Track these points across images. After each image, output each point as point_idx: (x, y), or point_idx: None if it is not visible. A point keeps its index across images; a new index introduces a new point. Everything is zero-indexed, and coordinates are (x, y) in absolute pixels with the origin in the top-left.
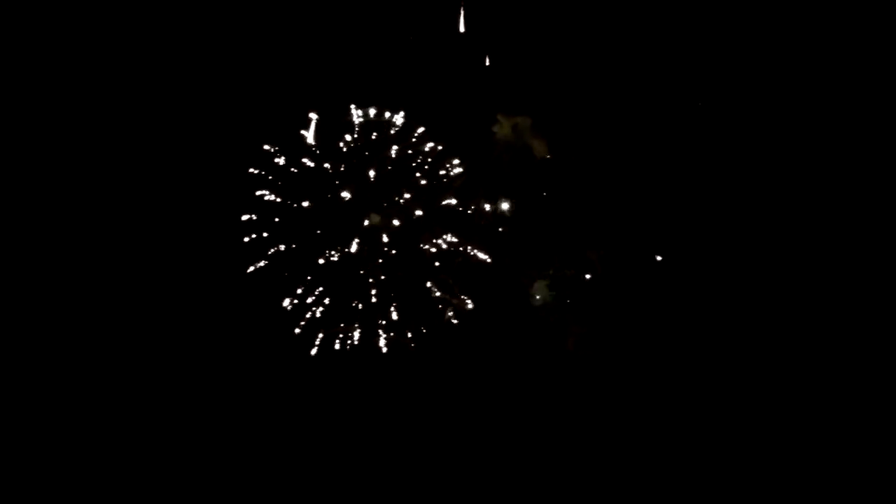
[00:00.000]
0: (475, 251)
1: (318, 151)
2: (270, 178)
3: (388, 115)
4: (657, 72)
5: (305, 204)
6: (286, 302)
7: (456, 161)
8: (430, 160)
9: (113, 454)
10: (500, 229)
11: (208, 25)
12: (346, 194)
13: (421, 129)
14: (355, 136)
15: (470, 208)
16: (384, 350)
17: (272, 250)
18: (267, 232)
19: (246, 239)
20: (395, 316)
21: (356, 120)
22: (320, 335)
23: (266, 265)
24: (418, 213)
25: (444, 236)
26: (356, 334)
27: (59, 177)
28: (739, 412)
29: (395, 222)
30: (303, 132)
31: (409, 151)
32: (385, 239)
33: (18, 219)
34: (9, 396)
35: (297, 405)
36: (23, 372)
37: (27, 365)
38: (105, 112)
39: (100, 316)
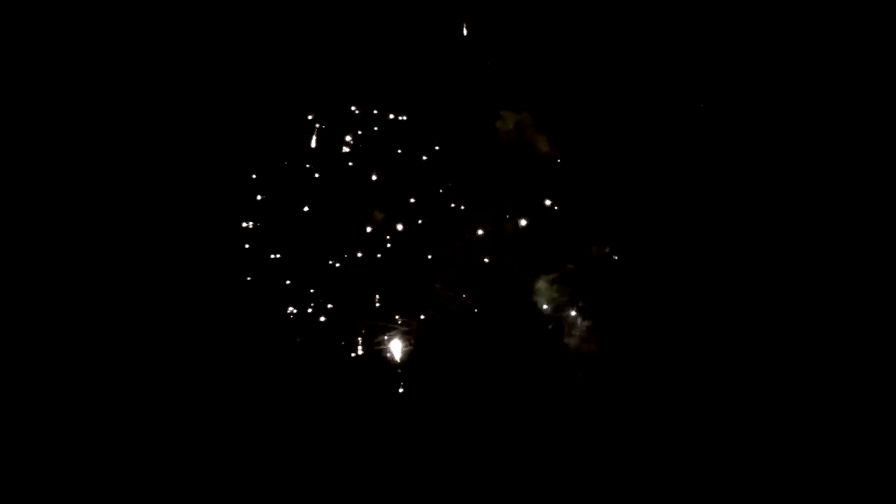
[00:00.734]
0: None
1: (318, 152)
2: (272, 179)
3: (391, 115)
4: (665, 69)
5: (306, 208)
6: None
7: (458, 158)
8: (432, 158)
9: (113, 454)
10: (503, 227)
11: (208, 25)
12: (347, 194)
13: (423, 127)
14: (357, 134)
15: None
16: (386, 350)
17: (275, 254)
18: (269, 233)
19: (247, 245)
20: (396, 316)
21: (356, 118)
22: (323, 337)
23: (270, 266)
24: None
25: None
26: (360, 339)
27: (59, 177)
28: (753, 414)
29: (399, 227)
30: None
31: (411, 150)
32: (388, 237)
33: (21, 224)
34: (9, 396)
35: (296, 405)
36: (23, 372)
37: (27, 365)
38: (107, 112)
39: (101, 316)
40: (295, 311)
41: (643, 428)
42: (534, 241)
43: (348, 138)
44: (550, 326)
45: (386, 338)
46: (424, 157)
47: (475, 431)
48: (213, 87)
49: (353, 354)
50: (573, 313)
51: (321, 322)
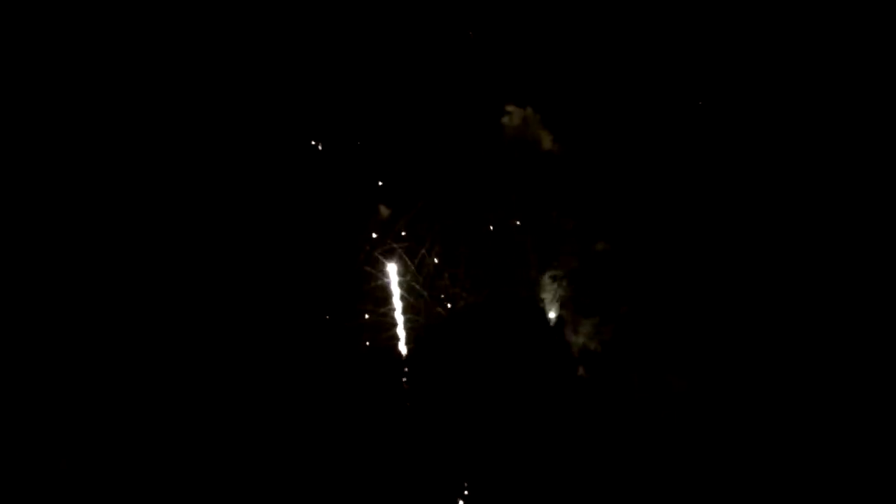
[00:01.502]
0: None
1: (323, 150)
2: (272, 179)
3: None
4: (669, 67)
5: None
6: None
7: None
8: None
9: (113, 454)
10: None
11: (208, 25)
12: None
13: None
14: (363, 130)
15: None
16: (391, 346)
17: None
18: (269, 233)
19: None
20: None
21: (362, 114)
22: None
23: (271, 266)
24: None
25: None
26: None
27: (59, 176)
28: (755, 411)
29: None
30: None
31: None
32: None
33: (21, 224)
34: (8, 397)
35: (297, 405)
36: (22, 372)
37: (27, 365)
38: (107, 112)
39: (101, 316)
40: (298, 308)
41: (645, 424)
42: (538, 238)
43: (354, 135)
44: (553, 323)
45: (391, 333)
46: (430, 153)
47: (478, 427)
48: (213, 87)
49: (358, 350)
50: (576, 310)
51: (326, 319)
